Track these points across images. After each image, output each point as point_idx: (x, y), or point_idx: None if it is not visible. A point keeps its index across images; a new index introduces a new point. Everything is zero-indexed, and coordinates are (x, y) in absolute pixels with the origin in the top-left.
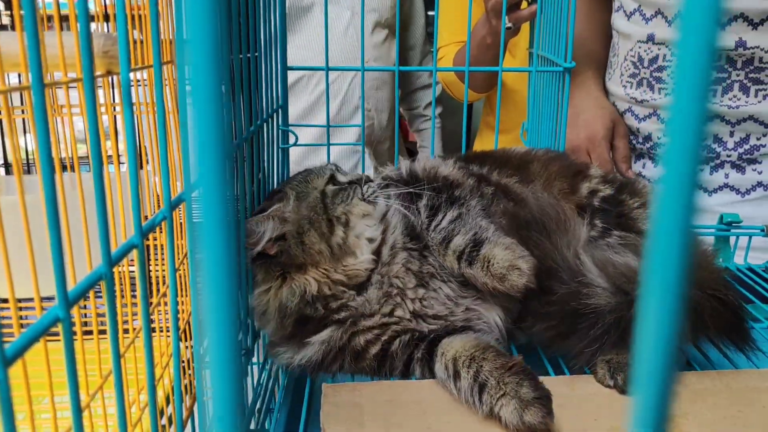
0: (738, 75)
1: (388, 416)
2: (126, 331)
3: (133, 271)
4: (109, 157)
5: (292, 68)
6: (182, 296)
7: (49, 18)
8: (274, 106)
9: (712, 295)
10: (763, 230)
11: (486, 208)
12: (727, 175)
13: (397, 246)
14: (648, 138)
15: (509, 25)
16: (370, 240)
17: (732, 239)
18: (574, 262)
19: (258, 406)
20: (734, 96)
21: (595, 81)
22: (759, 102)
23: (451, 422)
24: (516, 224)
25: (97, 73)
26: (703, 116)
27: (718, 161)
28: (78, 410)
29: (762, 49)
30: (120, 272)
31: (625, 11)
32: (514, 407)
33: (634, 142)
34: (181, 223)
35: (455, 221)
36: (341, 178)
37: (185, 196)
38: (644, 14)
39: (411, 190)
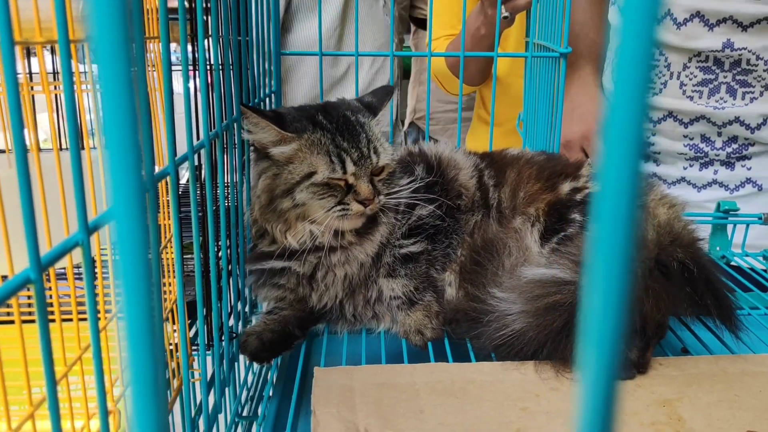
0: (725, 77)
1: (380, 399)
2: (109, 311)
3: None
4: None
5: (284, 53)
6: (168, 278)
7: None
8: (267, 91)
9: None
10: (761, 218)
11: (456, 249)
12: (716, 171)
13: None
14: None
15: (506, 14)
16: (314, 233)
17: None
18: (487, 299)
19: (251, 393)
20: (721, 98)
21: (593, 76)
22: (746, 105)
23: (443, 405)
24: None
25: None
26: (643, 111)
27: (706, 159)
28: (53, 382)
29: (750, 51)
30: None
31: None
32: None
33: None
34: (167, 201)
35: (413, 260)
36: (351, 180)
37: (169, 169)
38: None
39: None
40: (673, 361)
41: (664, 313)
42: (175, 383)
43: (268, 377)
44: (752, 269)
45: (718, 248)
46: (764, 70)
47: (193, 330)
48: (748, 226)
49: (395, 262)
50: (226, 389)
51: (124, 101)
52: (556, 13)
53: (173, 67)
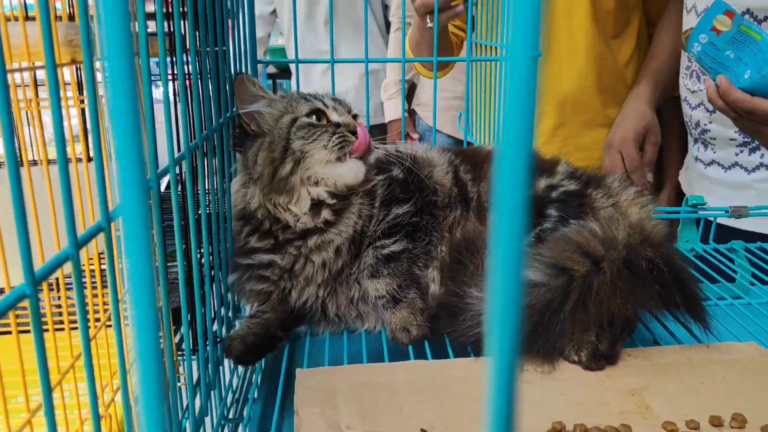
0: None
1: (362, 397)
2: (98, 320)
3: (104, 268)
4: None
5: (261, 62)
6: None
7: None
8: None
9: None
10: (727, 211)
11: (436, 246)
12: (762, 155)
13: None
14: (697, 125)
15: (430, 24)
16: (315, 198)
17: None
18: (464, 298)
19: (236, 396)
20: None
21: (648, 94)
22: None
23: (422, 401)
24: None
25: (62, 61)
26: (530, 117)
27: (754, 144)
28: (48, 390)
29: None
30: (90, 267)
31: (686, 6)
32: None
33: (689, 128)
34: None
35: (395, 259)
36: (333, 117)
37: (152, 182)
38: (697, 10)
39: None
40: (641, 351)
41: (632, 309)
42: None
43: (253, 379)
44: (719, 260)
45: (687, 241)
46: None
47: (178, 336)
48: (715, 218)
49: (378, 263)
50: (212, 392)
51: (129, 107)
52: (498, 16)
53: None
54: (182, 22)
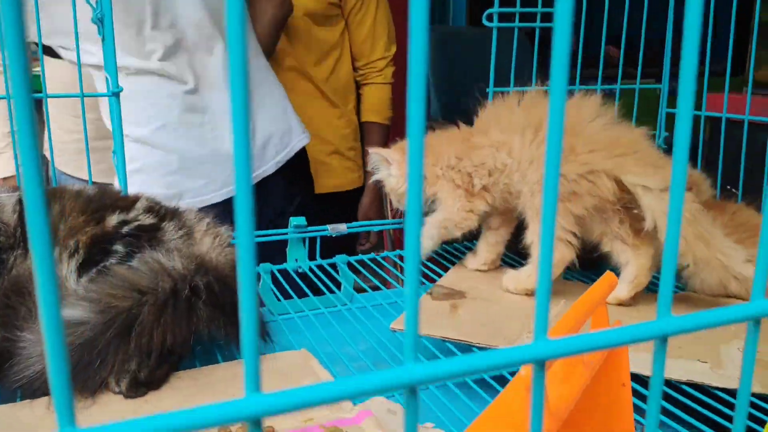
0: None
1: None
2: None
3: None
4: None
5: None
6: None
7: None
8: None
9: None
10: (326, 229)
11: None
12: None
13: None
14: None
15: None
16: None
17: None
18: (17, 342)
19: None
20: None
21: None
22: None
23: None
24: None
25: None
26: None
27: None
28: None
29: None
30: None
31: None
32: None
33: None
34: None
35: None
36: None
37: None
38: None
39: None
40: (189, 373)
41: (177, 336)
42: None
43: None
44: (316, 274)
45: (296, 260)
46: None
47: None
48: (319, 237)
49: None
50: None
51: None
52: None
53: None
54: None
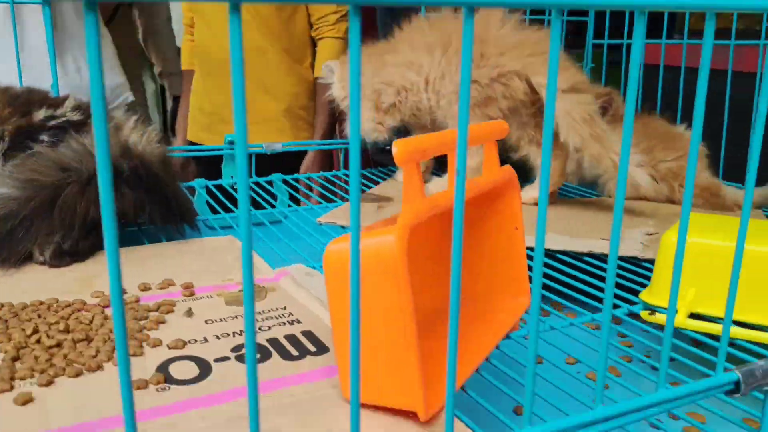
0: None
1: None
2: None
3: None
4: None
5: None
6: None
7: None
8: None
9: None
10: (262, 147)
11: None
12: None
13: None
14: None
15: None
16: None
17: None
18: None
19: None
20: None
21: None
22: None
23: None
24: None
25: None
26: None
27: None
28: None
29: None
30: None
31: None
32: None
33: None
34: None
35: None
36: None
37: None
38: None
39: None
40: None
41: (100, 213)
42: None
43: None
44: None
45: (231, 177)
46: None
47: None
48: (254, 155)
49: None
50: None
51: None
52: None
53: None
54: None
